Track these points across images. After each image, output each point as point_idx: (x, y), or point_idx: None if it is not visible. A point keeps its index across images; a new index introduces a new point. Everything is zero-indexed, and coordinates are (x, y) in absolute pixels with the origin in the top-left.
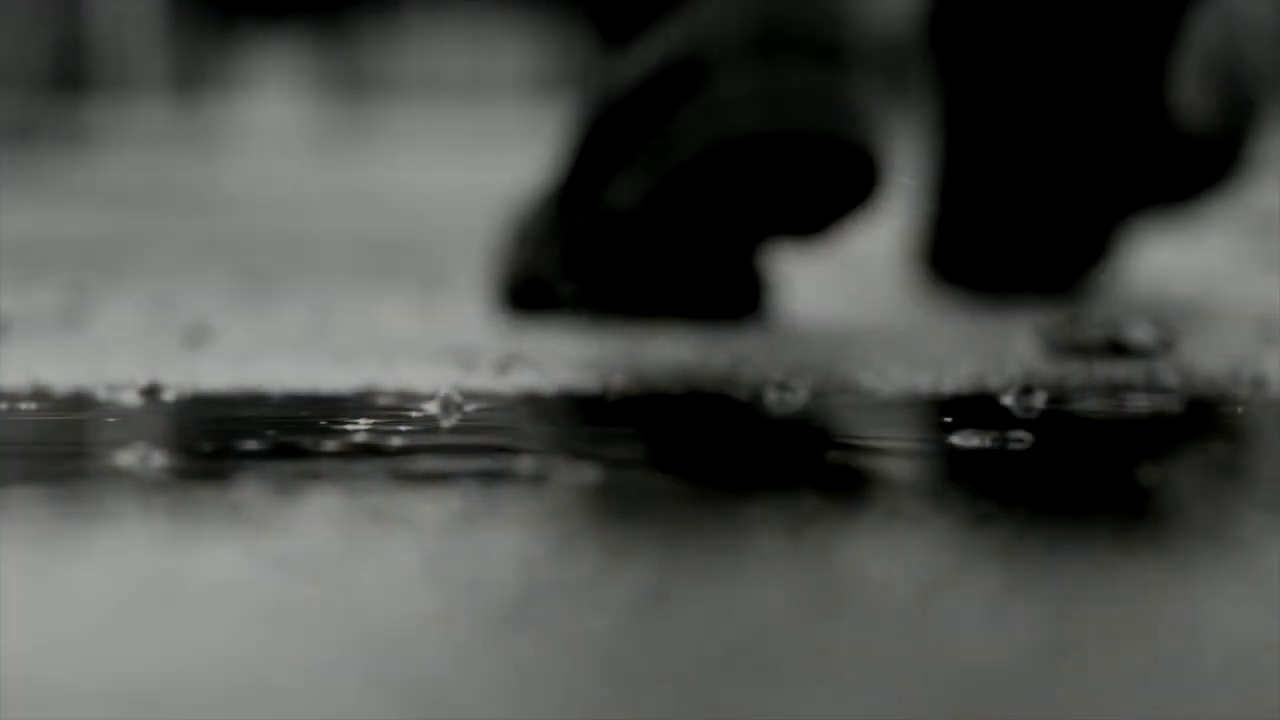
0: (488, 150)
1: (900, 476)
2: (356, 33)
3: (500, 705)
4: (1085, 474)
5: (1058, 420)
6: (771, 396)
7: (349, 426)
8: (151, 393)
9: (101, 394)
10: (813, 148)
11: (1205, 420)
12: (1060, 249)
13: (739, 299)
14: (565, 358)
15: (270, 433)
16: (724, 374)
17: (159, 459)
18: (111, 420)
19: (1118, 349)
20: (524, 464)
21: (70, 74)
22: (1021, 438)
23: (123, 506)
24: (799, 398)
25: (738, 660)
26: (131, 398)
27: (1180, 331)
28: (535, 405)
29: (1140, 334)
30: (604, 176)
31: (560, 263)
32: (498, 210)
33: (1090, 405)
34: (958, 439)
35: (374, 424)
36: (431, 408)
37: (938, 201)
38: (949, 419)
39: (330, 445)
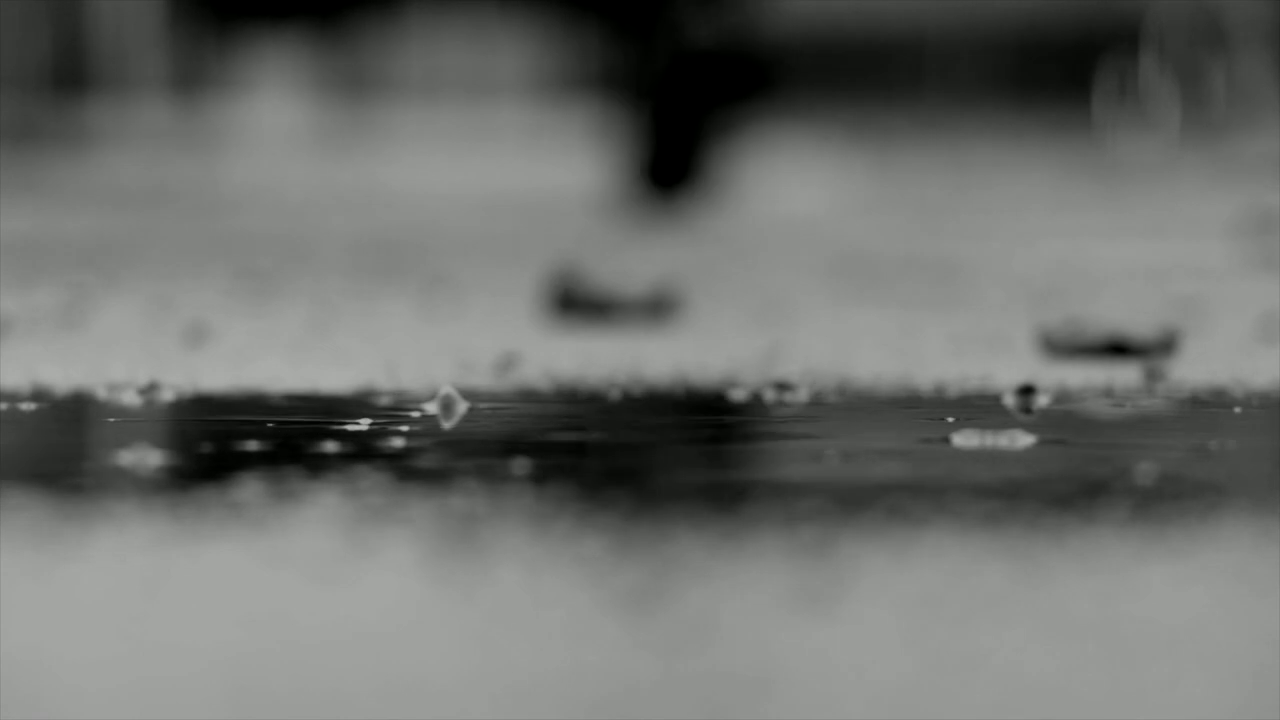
0: (488, 150)
1: (901, 476)
2: (356, 33)
3: (499, 704)
4: (1085, 474)
5: (1058, 420)
6: (771, 396)
7: (349, 426)
8: (151, 392)
9: (101, 394)
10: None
11: (1205, 420)
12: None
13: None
14: (564, 357)
15: (270, 433)
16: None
17: (159, 459)
18: (111, 420)
19: (1118, 349)
20: (523, 464)
21: (70, 74)
22: (1021, 438)
23: (123, 506)
24: (799, 397)
25: (735, 660)
26: (131, 398)
27: (1180, 331)
28: (536, 404)
29: (1140, 334)
30: None
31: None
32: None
33: (1090, 405)
34: (958, 439)
35: (374, 424)
36: (431, 408)
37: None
38: (949, 419)
39: (330, 445)
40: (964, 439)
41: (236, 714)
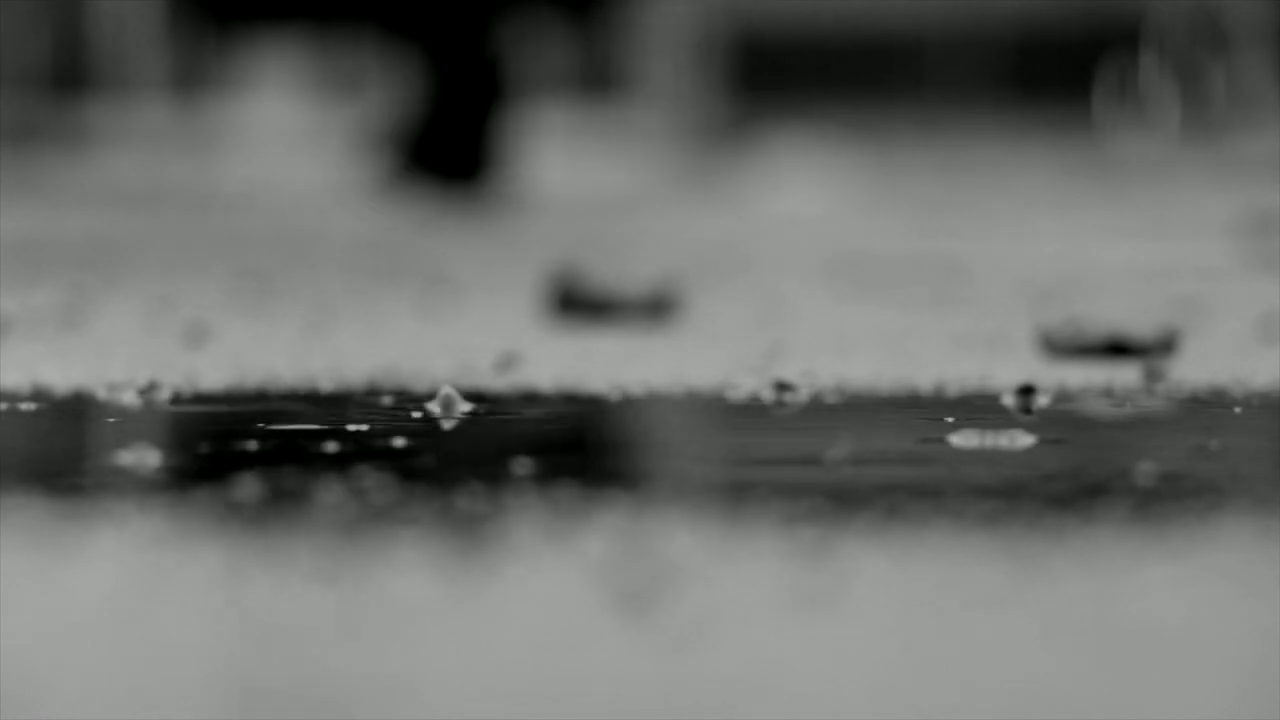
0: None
1: (901, 476)
2: (356, 33)
3: (499, 704)
4: (1085, 474)
5: (1058, 420)
6: (771, 396)
7: (349, 427)
8: (151, 392)
9: (101, 394)
10: None
11: (1205, 420)
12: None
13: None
14: (564, 357)
15: (270, 433)
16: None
17: (159, 459)
18: (111, 420)
19: (1118, 349)
20: (522, 464)
21: (70, 74)
22: (1021, 438)
23: (123, 506)
24: (799, 397)
25: (735, 660)
26: (131, 398)
27: (1180, 331)
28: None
29: (1140, 333)
30: None
31: None
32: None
33: (1090, 405)
34: (957, 439)
35: (374, 424)
36: (431, 408)
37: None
38: (949, 419)
39: (330, 445)
40: (964, 439)
41: (236, 714)
